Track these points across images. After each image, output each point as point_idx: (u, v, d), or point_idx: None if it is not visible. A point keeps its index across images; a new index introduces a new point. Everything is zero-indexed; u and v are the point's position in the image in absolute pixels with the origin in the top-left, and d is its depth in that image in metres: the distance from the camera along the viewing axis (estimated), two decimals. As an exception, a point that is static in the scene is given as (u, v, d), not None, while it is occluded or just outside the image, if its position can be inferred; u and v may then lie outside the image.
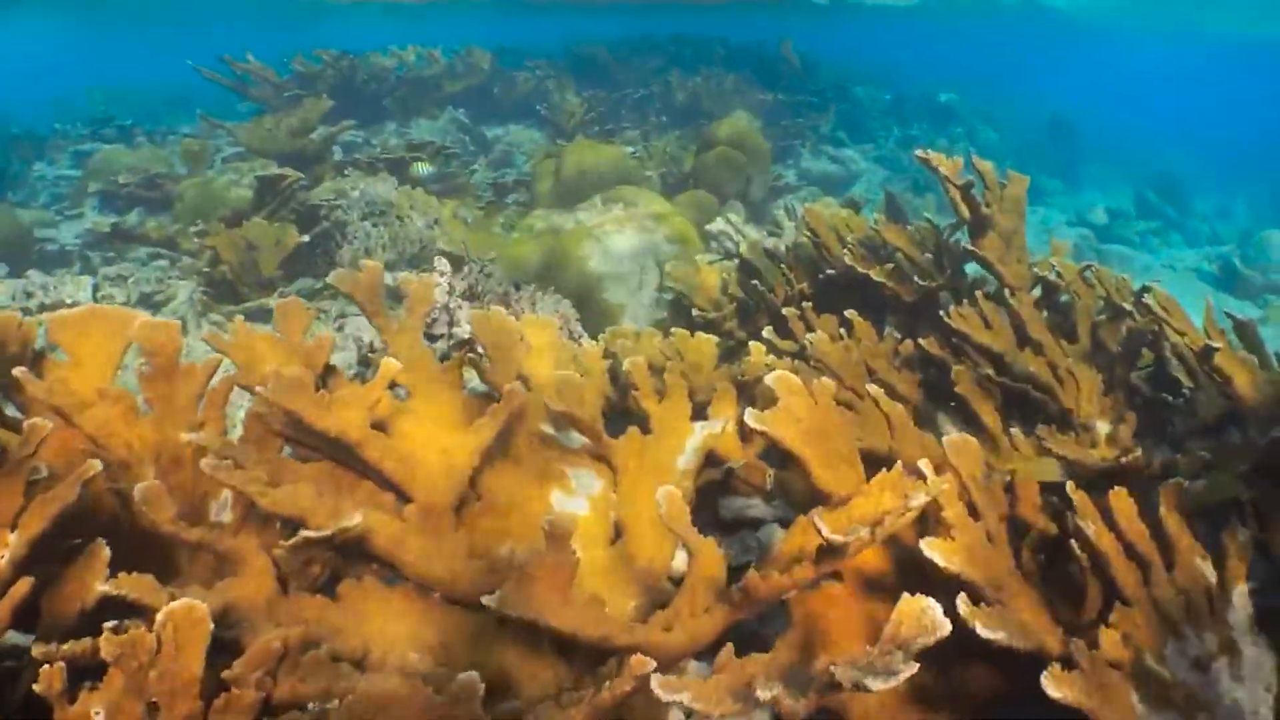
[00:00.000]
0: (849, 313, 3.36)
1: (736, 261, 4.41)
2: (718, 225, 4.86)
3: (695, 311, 3.73)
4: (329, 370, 2.47)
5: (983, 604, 1.53)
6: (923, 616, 1.28)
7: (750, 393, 2.98)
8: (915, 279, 3.38)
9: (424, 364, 2.63)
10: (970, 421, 2.68)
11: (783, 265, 3.90)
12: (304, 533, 1.81)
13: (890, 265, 3.53)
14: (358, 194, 5.67)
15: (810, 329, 3.49)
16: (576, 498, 2.37)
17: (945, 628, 1.26)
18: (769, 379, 1.91)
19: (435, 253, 5.59)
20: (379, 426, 2.35)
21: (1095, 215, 11.76)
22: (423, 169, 6.61)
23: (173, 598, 1.81)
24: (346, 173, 6.38)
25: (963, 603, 1.48)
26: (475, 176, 8.20)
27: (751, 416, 1.78)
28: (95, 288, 4.92)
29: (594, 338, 4.36)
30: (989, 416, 2.61)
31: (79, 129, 10.18)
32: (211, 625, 1.48)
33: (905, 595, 1.32)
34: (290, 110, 7.49)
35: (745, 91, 10.63)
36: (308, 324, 2.65)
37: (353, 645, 1.84)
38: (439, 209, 5.92)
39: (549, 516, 1.60)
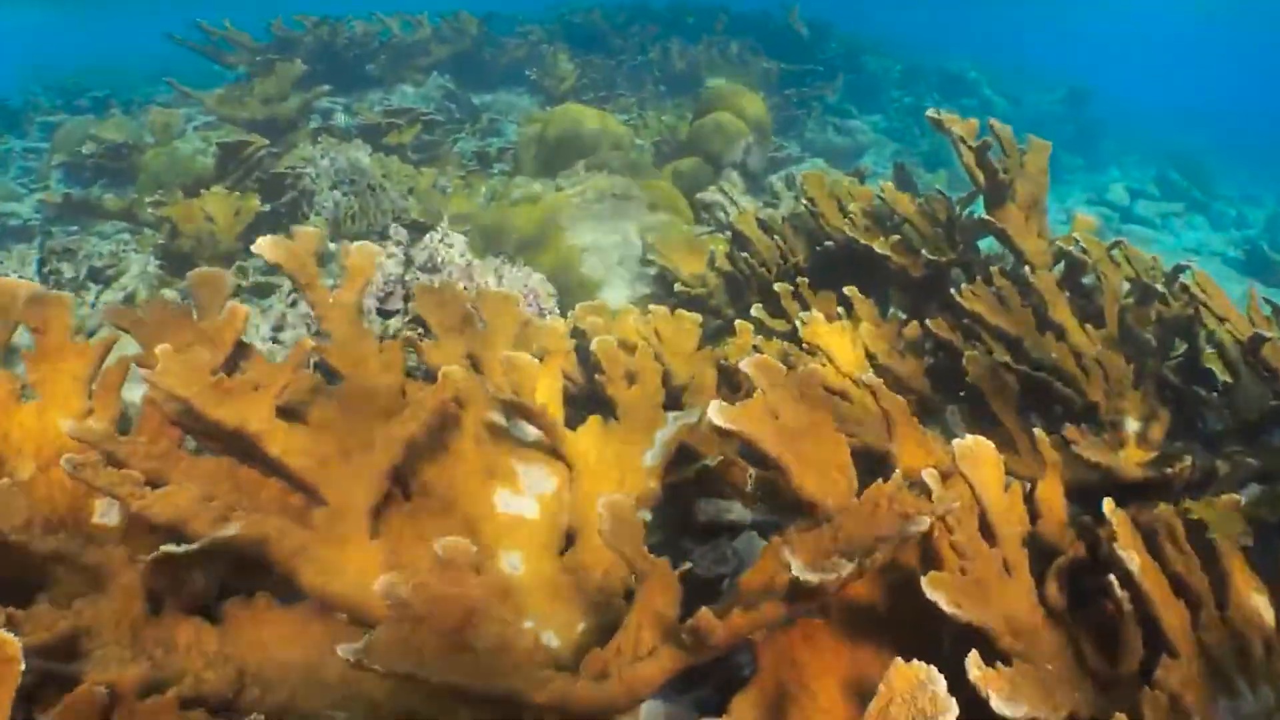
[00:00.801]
0: (848, 289, 3.02)
1: (729, 234, 4.08)
2: (710, 195, 4.52)
3: (678, 286, 3.39)
4: (242, 350, 2.14)
5: (999, 663, 1.20)
6: (919, 695, 0.95)
7: (734, 379, 2.65)
8: (924, 253, 3.04)
9: (358, 344, 2.30)
10: (983, 416, 2.35)
11: (777, 236, 3.56)
12: (165, 547, 1.49)
13: (896, 237, 3.20)
14: (327, 162, 5.32)
15: (805, 307, 3.16)
16: (525, 498, 2.04)
17: (949, 712, 0.93)
18: (745, 364, 1.59)
19: (408, 223, 5.26)
20: (293, 415, 2.02)
21: (1116, 194, 11.36)
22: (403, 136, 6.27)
23: (9, 622, 1.49)
24: (319, 140, 6.02)
25: (974, 665, 1.15)
26: (460, 145, 7.84)
27: (718, 411, 1.45)
28: (41, 262, 4.58)
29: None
30: (1005, 411, 2.26)
31: (53, 100, 9.83)
32: (23, 665, 1.13)
33: (898, 660, 0.98)
34: (263, 76, 7.13)
35: (749, 61, 10.24)
36: (225, 296, 2.32)
37: (224, 683, 1.52)
38: (415, 178, 5.57)
39: (441, 541, 1.27)
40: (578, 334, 2.89)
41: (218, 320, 2.06)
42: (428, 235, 3.40)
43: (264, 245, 2.38)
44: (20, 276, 4.58)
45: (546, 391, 2.26)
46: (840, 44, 12.09)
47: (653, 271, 3.73)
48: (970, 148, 2.76)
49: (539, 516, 1.98)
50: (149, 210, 4.68)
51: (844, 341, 2.56)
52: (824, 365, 2.50)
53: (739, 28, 11.27)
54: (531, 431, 2.17)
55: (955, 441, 1.52)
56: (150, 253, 4.70)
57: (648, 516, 2.01)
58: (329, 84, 8.55)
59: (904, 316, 3.01)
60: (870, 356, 2.57)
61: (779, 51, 10.70)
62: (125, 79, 12.64)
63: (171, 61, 11.42)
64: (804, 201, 3.54)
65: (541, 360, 2.33)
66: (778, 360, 1.59)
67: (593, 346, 2.49)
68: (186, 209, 4.63)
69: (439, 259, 3.30)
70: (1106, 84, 18.13)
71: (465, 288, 3.32)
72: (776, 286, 3.10)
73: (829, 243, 3.29)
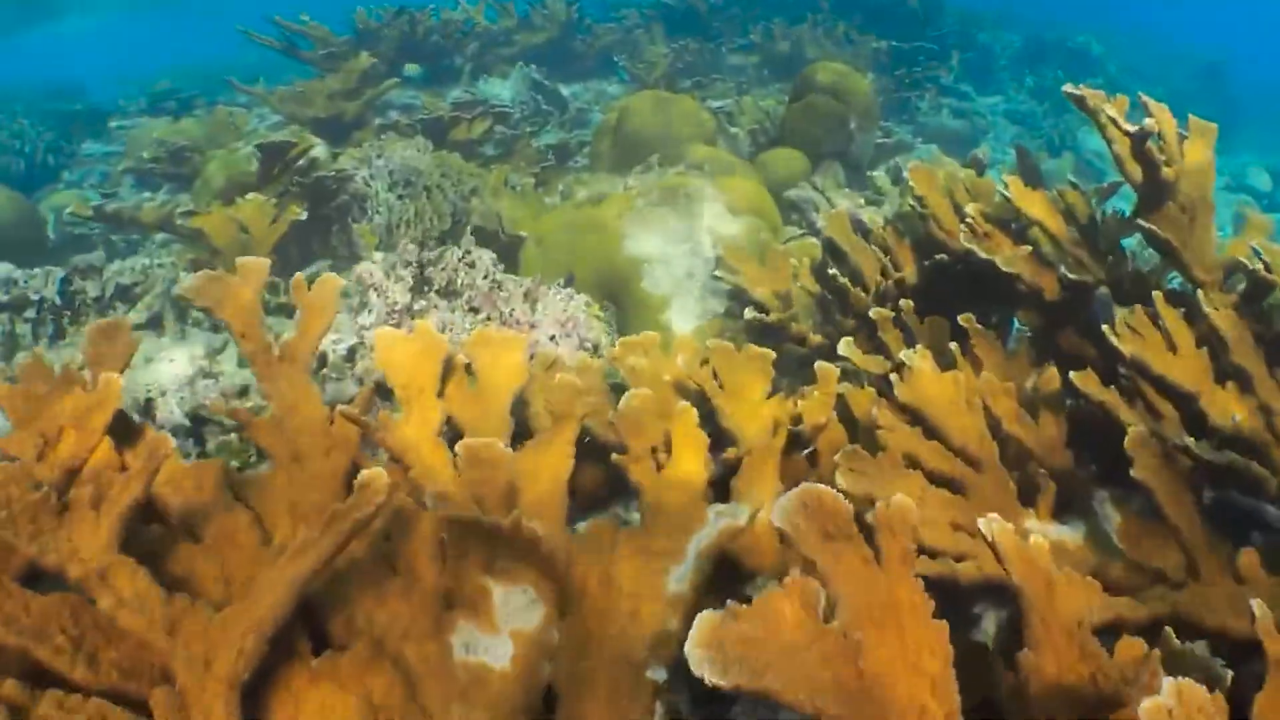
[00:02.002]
0: (965, 319, 2.39)
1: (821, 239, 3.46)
2: (800, 192, 3.89)
3: (749, 313, 2.77)
4: (125, 432, 1.60)
5: None
6: None
7: (806, 459, 2.05)
8: (1063, 270, 2.39)
9: (299, 416, 1.76)
10: (1148, 512, 1.70)
11: (877, 245, 2.93)
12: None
13: (1025, 249, 2.55)
14: (382, 161, 4.83)
15: (910, 340, 2.53)
16: (498, 636, 1.46)
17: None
18: (779, 515, 1.00)
19: (466, 229, 4.74)
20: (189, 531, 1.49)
21: (1258, 179, 10.32)
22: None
23: None
24: (383, 138, 5.54)
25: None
26: (544, 137, 7.33)
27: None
28: (64, 281, 4.17)
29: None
30: (1182, 515, 1.61)
31: (137, 102, 9.58)
32: None
33: None
34: (331, 72, 6.71)
35: (856, 40, 9.51)
36: (125, 354, 1.80)
37: None
38: (480, 177, 5.05)
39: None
40: (613, 383, 2.32)
41: (88, 397, 1.53)
42: (450, 251, 2.86)
43: (192, 285, 1.86)
44: (40, 297, 4.19)
45: (548, 479, 1.68)
46: (954, 19, 11.23)
47: (727, 287, 3.13)
48: (1124, 133, 2.10)
49: (511, 667, 1.40)
50: (179, 220, 4.23)
51: (956, 400, 1.93)
52: (926, 442, 1.87)
53: (845, 5, 10.52)
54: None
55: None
56: (184, 267, 4.26)
57: (662, 676, 1.42)
58: (409, 77, 8.16)
59: (1034, 354, 2.37)
60: (992, 420, 1.94)
61: (888, 29, 9.97)
62: (219, 78, 12.42)
63: (266, 58, 11.13)
64: (912, 201, 2.90)
65: (550, 430, 1.77)
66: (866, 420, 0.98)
67: (620, 406, 1.92)
68: (217, 219, 4.18)
69: (459, 281, 2.75)
70: (1244, 58, 16.78)
71: (489, 315, 2.76)
72: (873, 313, 2.48)
73: (941, 256, 2.65)
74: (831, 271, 2.74)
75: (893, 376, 1.94)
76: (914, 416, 1.91)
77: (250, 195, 4.35)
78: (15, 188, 7.44)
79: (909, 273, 2.84)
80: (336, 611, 1.39)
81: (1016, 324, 2.69)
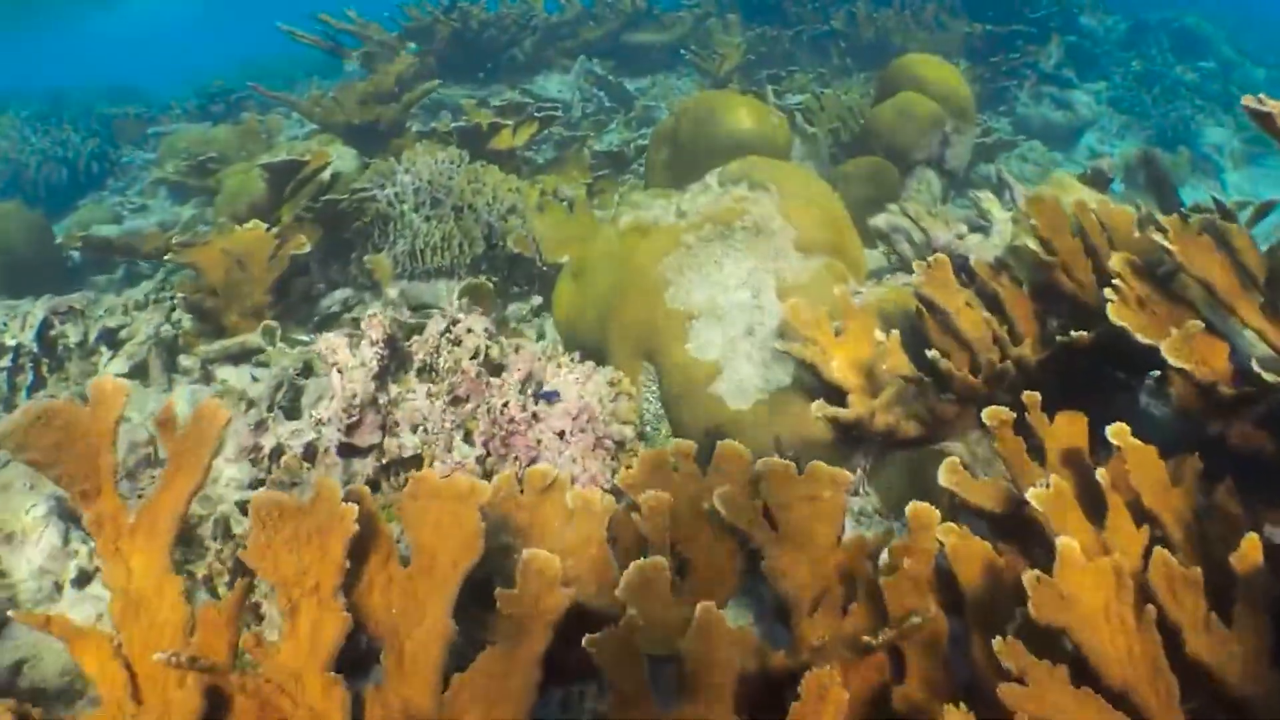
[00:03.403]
0: (1115, 432, 1.72)
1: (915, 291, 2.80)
2: (889, 218, 3.20)
3: (818, 408, 2.12)
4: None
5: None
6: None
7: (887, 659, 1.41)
8: (1259, 371, 1.72)
9: (151, 622, 1.17)
10: None
11: (985, 296, 2.28)
12: None
13: (1196, 326, 1.88)
14: (409, 178, 4.24)
15: (1039, 456, 1.87)
16: None
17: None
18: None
19: (505, 254, 4.14)
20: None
21: None
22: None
23: None
24: (419, 146, 4.96)
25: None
26: (608, 137, 6.72)
27: None
28: (44, 324, 3.65)
29: (672, 421, 2.79)
30: None
31: (190, 104, 9.15)
32: None
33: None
34: (378, 69, 6.15)
35: (947, 24, 8.74)
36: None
37: None
38: (520, 192, 4.44)
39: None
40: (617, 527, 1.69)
41: None
42: (433, 322, 2.26)
43: (10, 432, 1.29)
44: (16, 342, 3.68)
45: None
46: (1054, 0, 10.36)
47: (798, 343, 2.49)
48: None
49: None
50: (174, 251, 3.68)
51: (1116, 611, 1.28)
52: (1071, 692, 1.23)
53: (935, -15, 9.74)
54: None
55: None
56: (164, 309, 3.72)
57: None
58: (464, 75, 7.59)
59: (1211, 481, 1.71)
60: (1169, 630, 1.28)
61: (981, 10, 9.17)
62: (283, 74, 11.97)
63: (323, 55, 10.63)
64: (1034, 244, 2.24)
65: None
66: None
67: (624, 585, 1.30)
68: (211, 253, 3.62)
69: (441, 361, 2.15)
70: None
71: (478, 407, 2.14)
72: (989, 418, 1.82)
73: (1080, 335, 1.98)
74: (932, 354, 2.07)
75: (1027, 579, 1.29)
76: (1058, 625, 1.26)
77: (250, 224, 3.79)
78: (58, 197, 7.09)
79: (1030, 345, 2.17)
80: None
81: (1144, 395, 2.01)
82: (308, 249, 3.77)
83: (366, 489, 1.38)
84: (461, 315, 2.28)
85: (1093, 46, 9.93)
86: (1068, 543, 1.35)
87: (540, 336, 3.86)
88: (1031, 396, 1.92)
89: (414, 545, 1.34)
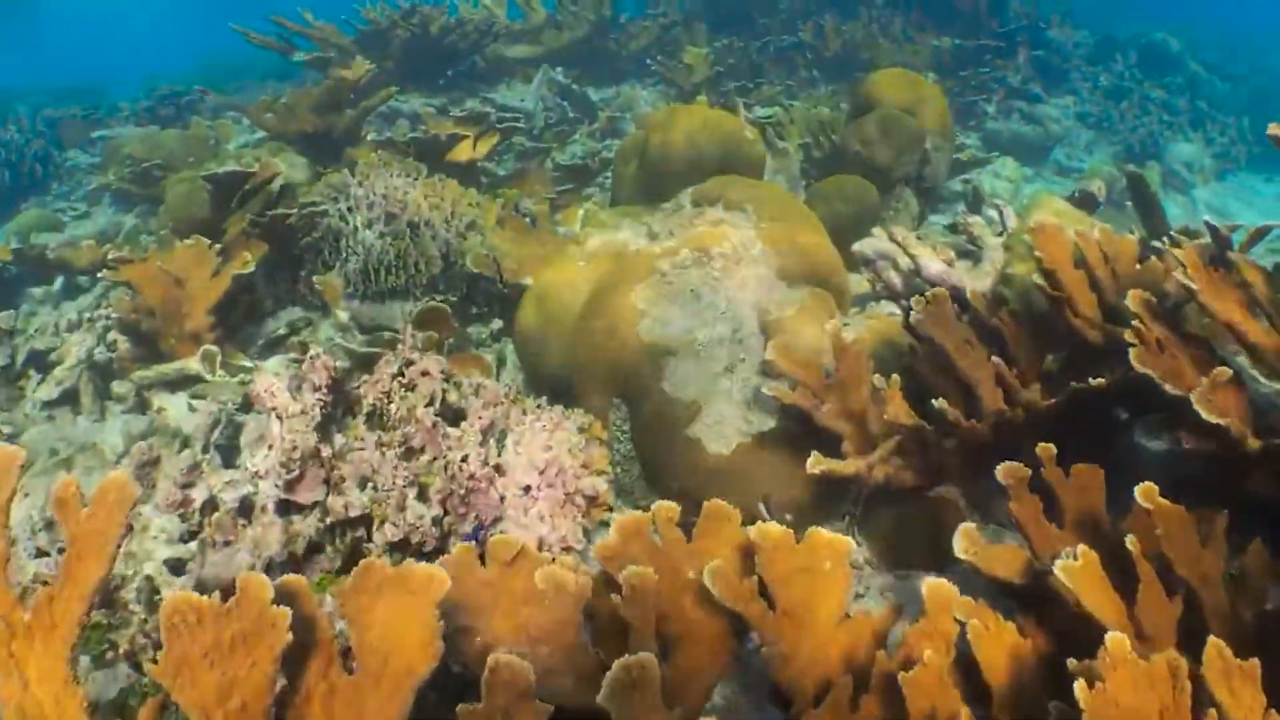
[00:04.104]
0: (1145, 494, 1.56)
1: (902, 316, 2.65)
2: (875, 244, 3.01)
3: (814, 465, 1.94)
4: None
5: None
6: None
7: None
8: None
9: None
10: None
11: (982, 331, 2.11)
12: None
13: (1224, 374, 1.72)
14: (362, 191, 4.03)
15: (1056, 514, 1.70)
16: None
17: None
18: None
19: (463, 273, 3.93)
20: None
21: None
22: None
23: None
24: (376, 157, 4.73)
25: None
26: (572, 148, 6.51)
27: None
28: (-33, 344, 3.41)
29: (645, 464, 2.60)
30: None
31: (140, 105, 8.83)
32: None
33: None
34: (333, 74, 5.91)
35: (915, 37, 8.65)
36: None
37: None
38: (480, 207, 4.24)
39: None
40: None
41: None
42: (384, 363, 2.05)
43: None
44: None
45: None
46: (1022, 12, 10.28)
47: (784, 384, 2.31)
48: None
49: None
50: (109, 268, 3.44)
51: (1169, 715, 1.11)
52: None
53: (901, -1, 9.65)
54: None
55: None
56: (95, 331, 3.48)
57: None
58: (423, 82, 7.37)
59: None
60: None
61: (948, 23, 9.10)
62: (240, 79, 11.59)
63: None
64: (1039, 278, 2.08)
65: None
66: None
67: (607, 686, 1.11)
68: (149, 270, 3.39)
69: (392, 408, 1.94)
70: None
71: (434, 458, 1.94)
72: (1002, 475, 1.64)
73: (1098, 384, 1.82)
74: (939, 405, 1.89)
75: (1080, 691, 1.11)
76: None
77: (191, 239, 3.56)
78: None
79: (1037, 390, 2.00)
80: None
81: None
82: (252, 267, 3.54)
83: (303, 582, 1.18)
84: (416, 355, 2.06)
85: (1061, 61, 9.86)
86: (1118, 640, 1.18)
87: (501, 362, 3.65)
88: (1047, 450, 1.75)
89: (360, 647, 1.13)
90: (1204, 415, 1.62)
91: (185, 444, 2.67)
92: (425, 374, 2.02)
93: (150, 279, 3.38)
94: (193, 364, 3.28)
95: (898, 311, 2.92)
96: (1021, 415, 1.95)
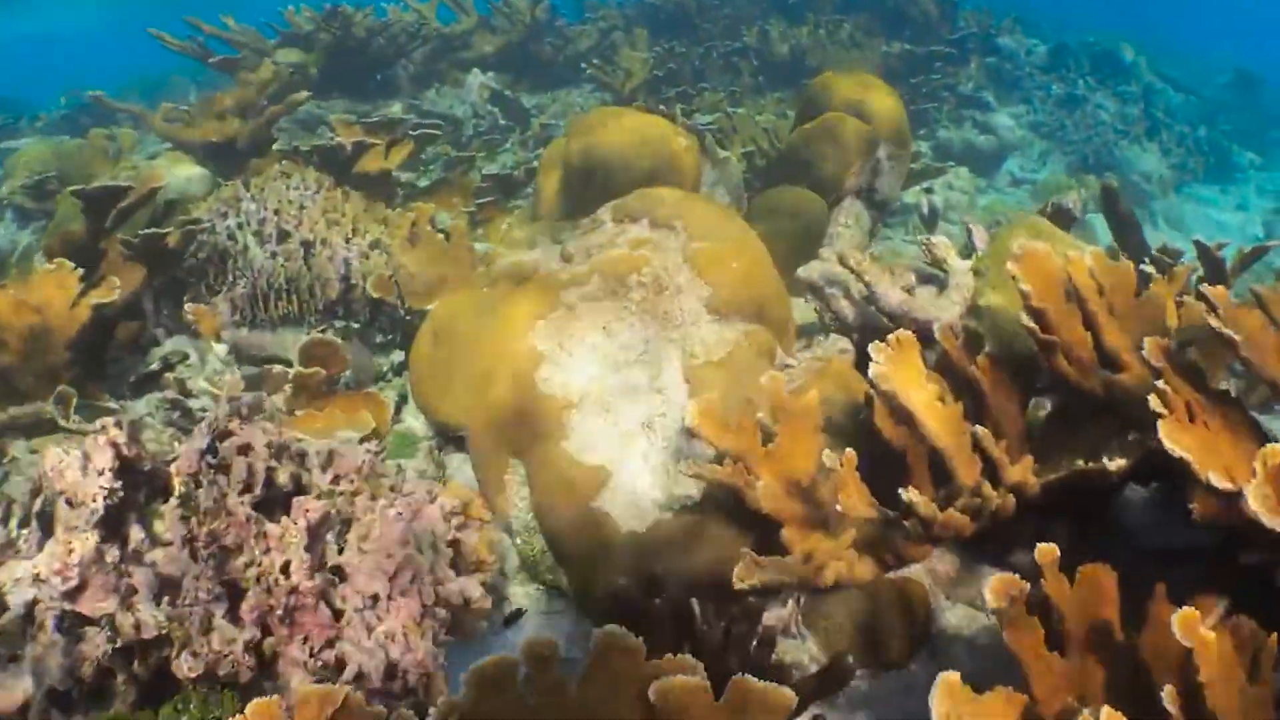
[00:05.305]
0: (1184, 628, 1.15)
1: (855, 353, 2.25)
2: (821, 269, 2.58)
3: (743, 577, 1.51)
4: None
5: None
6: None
7: None
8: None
9: None
10: None
11: (958, 381, 1.71)
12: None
13: (1273, 455, 1.32)
14: (254, 206, 3.57)
15: (1062, 636, 1.29)
16: None
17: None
18: None
19: (364, 298, 3.48)
20: None
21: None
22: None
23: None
24: (281, 167, 4.26)
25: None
26: (501, 159, 6.07)
27: None
28: None
29: (547, 537, 2.15)
30: None
31: (57, 116, 8.30)
32: None
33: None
34: (242, 78, 5.41)
35: (864, 43, 8.32)
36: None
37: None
38: (388, 223, 3.79)
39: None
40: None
41: None
42: (194, 436, 1.59)
43: None
44: None
45: None
46: (974, 19, 9.98)
47: (709, 453, 1.88)
48: None
49: None
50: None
51: None
52: None
53: (851, 3, 9.29)
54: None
55: None
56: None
57: None
58: (349, 89, 6.88)
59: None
60: None
61: (898, 29, 8.80)
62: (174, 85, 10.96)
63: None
64: (1026, 322, 1.68)
65: None
66: None
67: None
68: (2, 299, 2.93)
69: (202, 494, 1.49)
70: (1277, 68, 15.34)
71: (248, 562, 1.48)
72: (993, 596, 1.22)
73: (1118, 463, 1.41)
74: (908, 497, 1.47)
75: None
76: None
77: (54, 263, 3.09)
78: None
79: (1027, 467, 1.58)
80: None
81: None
82: (114, 296, 3.07)
83: None
84: (236, 424, 1.60)
85: (1014, 69, 9.57)
86: None
87: (404, 399, 3.20)
88: (1048, 555, 1.34)
89: None
90: (1265, 521, 1.22)
91: (9, 511, 2.20)
92: (246, 449, 1.57)
93: (6, 310, 2.91)
94: (48, 407, 2.82)
95: (850, 347, 2.50)
96: (1011, 504, 1.54)
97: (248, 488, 1.51)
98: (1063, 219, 2.94)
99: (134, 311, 3.49)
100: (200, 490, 1.49)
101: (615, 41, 8.26)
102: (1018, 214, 2.94)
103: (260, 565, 1.50)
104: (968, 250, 2.59)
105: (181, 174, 4.63)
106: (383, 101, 6.98)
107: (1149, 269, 2.59)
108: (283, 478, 1.59)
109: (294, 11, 6.82)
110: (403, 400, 3.21)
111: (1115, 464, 1.49)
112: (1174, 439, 1.36)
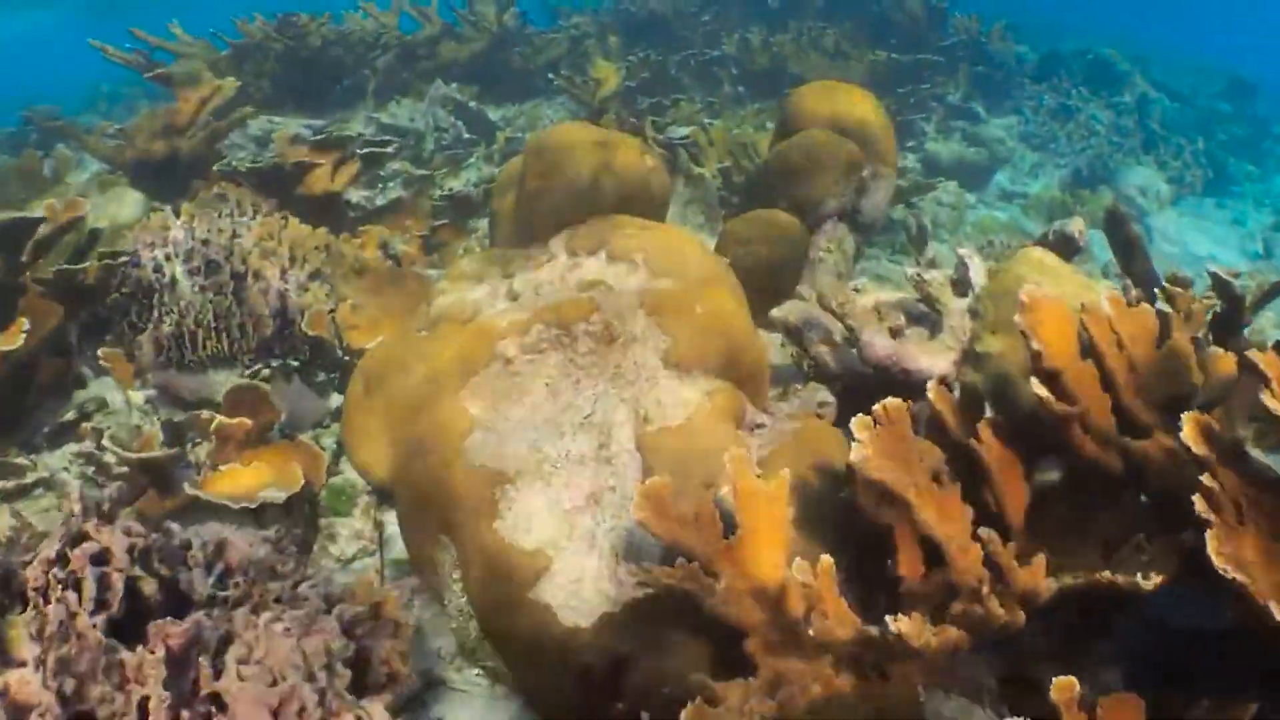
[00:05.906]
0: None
1: (836, 405, 1.96)
2: (798, 310, 2.28)
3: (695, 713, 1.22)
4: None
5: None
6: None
7: None
8: None
9: None
10: None
11: (957, 452, 1.42)
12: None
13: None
14: (183, 235, 3.26)
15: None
16: None
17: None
18: None
19: (300, 338, 3.17)
20: None
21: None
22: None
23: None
24: (219, 190, 3.95)
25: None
26: (466, 174, 5.77)
27: None
28: None
29: (482, 626, 1.85)
30: None
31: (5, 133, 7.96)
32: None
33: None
34: (182, 93, 5.10)
35: (849, 52, 8.05)
36: None
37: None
38: (331, 251, 3.49)
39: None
40: None
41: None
42: (50, 539, 1.27)
43: None
44: None
45: None
46: (963, 26, 9.71)
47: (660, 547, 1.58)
48: None
49: None
50: None
51: None
52: None
53: (837, 9, 9.03)
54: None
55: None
56: None
57: None
58: (304, 102, 6.56)
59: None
60: None
61: (885, 37, 8.54)
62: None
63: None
64: (1039, 391, 1.39)
65: None
66: None
67: None
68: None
69: (50, 614, 1.17)
70: (1274, 73, 15.09)
71: (99, 692, 1.18)
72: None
73: (1154, 580, 1.13)
74: (895, 626, 1.18)
75: None
76: None
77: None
78: None
79: (1039, 575, 1.29)
80: None
81: None
82: (19, 342, 2.76)
83: None
84: (92, 526, 1.28)
85: (1004, 78, 9.32)
86: None
87: (342, 451, 2.90)
88: (1066, 691, 1.04)
89: None
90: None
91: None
92: (104, 557, 1.26)
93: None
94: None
95: (830, 399, 2.20)
96: (1021, 620, 1.25)
97: (103, 605, 1.20)
98: (1066, 248, 2.65)
99: (60, 348, 3.19)
100: (49, 608, 1.18)
101: (588, 50, 7.97)
102: (1018, 247, 2.65)
103: (114, 704, 1.20)
104: (962, 285, 2.30)
105: (113, 200, 4.33)
106: (342, 114, 6.67)
107: (1164, 306, 2.29)
108: (149, 588, 1.28)
109: (246, 20, 6.51)
110: (342, 449, 2.92)
111: (1150, 582, 1.21)
112: (1224, 557, 1.08)
